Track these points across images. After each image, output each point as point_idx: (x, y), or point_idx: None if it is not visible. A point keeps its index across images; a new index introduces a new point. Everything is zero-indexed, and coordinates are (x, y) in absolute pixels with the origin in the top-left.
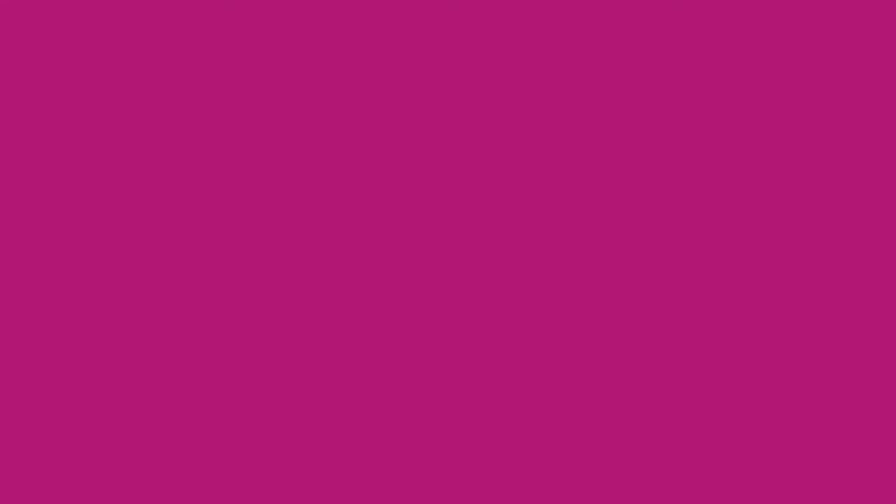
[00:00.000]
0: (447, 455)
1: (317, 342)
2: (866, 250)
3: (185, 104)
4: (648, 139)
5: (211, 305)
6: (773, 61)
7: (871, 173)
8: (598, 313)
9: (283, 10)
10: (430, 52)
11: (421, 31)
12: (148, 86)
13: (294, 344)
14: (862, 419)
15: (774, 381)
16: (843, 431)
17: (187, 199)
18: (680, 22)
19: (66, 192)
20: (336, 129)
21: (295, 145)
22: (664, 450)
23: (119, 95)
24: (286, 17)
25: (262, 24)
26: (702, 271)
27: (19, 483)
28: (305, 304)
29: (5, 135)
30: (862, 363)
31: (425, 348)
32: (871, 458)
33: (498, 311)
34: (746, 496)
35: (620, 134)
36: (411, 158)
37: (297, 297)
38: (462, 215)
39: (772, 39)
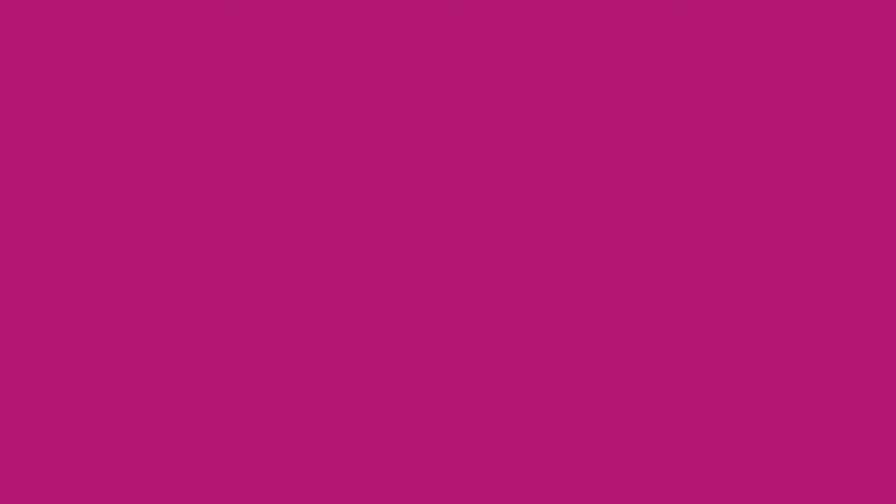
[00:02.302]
0: (447, 455)
1: (317, 342)
2: (866, 250)
3: (185, 104)
4: (649, 139)
5: (211, 305)
6: (774, 61)
7: (872, 173)
8: (598, 313)
9: (283, 11)
10: (431, 53)
11: (421, 32)
12: (148, 86)
13: (294, 344)
14: (862, 419)
15: (774, 382)
16: (844, 431)
17: (187, 199)
18: (680, 22)
19: (66, 192)
20: (336, 129)
21: (295, 145)
22: (664, 450)
23: (119, 95)
24: (286, 17)
25: (262, 23)
26: (702, 271)
27: (19, 483)
28: (305, 303)
29: (5, 135)
30: (862, 363)
31: (425, 348)
32: (872, 458)
33: (498, 311)
34: (746, 496)
35: (621, 134)
36: (411, 158)
37: (297, 296)
38: (462, 215)
39: (772, 39)
